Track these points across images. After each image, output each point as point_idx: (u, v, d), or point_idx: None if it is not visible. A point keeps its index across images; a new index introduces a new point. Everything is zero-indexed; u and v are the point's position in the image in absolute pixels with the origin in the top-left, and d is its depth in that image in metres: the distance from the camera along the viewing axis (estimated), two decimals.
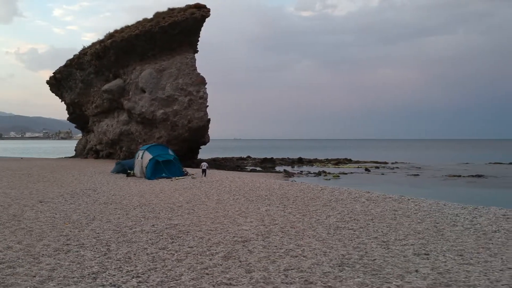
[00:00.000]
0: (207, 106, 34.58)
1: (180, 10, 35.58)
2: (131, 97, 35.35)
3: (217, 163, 42.33)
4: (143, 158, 22.83)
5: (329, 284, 5.37)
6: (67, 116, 43.83)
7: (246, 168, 39.50)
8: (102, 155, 39.82)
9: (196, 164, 37.87)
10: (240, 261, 6.49)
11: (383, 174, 35.38)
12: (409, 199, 12.85)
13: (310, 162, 50.20)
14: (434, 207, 11.33)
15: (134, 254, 6.97)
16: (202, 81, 34.59)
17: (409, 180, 30.11)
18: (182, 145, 34.84)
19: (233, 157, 54.75)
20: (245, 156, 57.71)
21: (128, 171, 23.88)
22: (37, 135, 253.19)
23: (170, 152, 24.05)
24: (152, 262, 6.49)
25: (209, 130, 36.74)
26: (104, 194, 15.17)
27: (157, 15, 36.62)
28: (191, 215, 10.60)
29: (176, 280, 5.65)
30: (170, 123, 34.27)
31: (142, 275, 5.81)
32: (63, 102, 43.40)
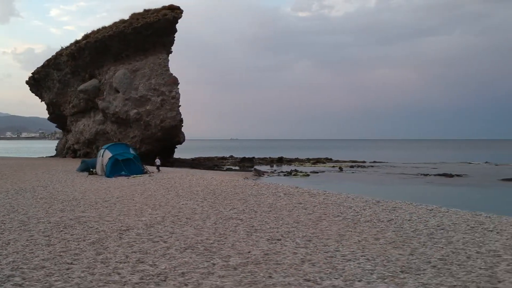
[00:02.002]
0: (179, 106, 35.14)
1: (154, 11, 36.17)
2: (105, 97, 35.94)
3: (195, 163, 42.95)
4: (104, 156, 23.41)
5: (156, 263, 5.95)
6: (47, 116, 44.44)
7: (223, 167, 40.04)
8: (79, 154, 40.39)
9: (171, 163, 38.58)
10: (102, 246, 7.05)
11: (353, 173, 35.91)
12: (326, 193, 13.39)
13: (290, 161, 50.72)
14: (341, 201, 11.90)
15: (16, 240, 7.56)
16: (174, 82, 35.16)
17: (372, 178, 30.64)
18: (155, 144, 35.44)
19: (215, 157, 55.29)
20: (228, 156, 58.23)
21: (91, 169, 24.45)
22: (33, 135, 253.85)
23: (131, 151, 24.67)
24: (26, 246, 7.06)
25: (183, 129, 37.32)
26: (50, 191, 15.70)
27: (133, 16, 37.20)
28: (107, 209, 11.15)
29: (27, 262, 6.19)
30: (143, 123, 34.83)
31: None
32: (43, 102, 43.98)
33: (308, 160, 52.61)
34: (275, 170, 38.21)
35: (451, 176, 32.24)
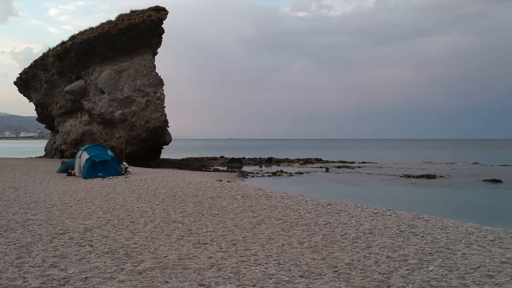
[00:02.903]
0: (164, 106, 35.28)
1: (140, 12, 36.30)
2: (91, 98, 36.10)
3: (183, 163, 43.10)
4: (81, 158, 23.60)
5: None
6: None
7: (210, 168, 40.20)
8: (67, 154, 40.52)
9: (158, 164, 38.77)
10: (27, 250, 7.22)
11: (337, 173, 36.05)
12: (283, 196, 13.55)
13: (279, 162, 50.86)
14: (293, 203, 12.05)
15: None
16: (159, 82, 35.30)
17: (353, 179, 30.76)
18: (141, 145, 35.62)
19: (205, 157, 55.48)
20: (218, 156, 58.39)
21: (69, 170, 24.63)
22: (31, 134, 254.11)
23: (109, 152, 24.82)
24: None
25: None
26: (19, 193, 15.82)
27: (119, 17, 37.35)
28: (60, 211, 11.31)
29: None
30: (128, 124, 34.97)
31: None
32: (31, 103, 44.17)
33: (298, 160, 52.79)
34: (261, 170, 38.37)
35: (434, 177, 32.38)
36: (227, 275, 5.81)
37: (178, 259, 6.64)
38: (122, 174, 23.41)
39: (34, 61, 40.52)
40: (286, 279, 5.69)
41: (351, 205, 12.14)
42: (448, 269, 6.05)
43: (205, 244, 7.66)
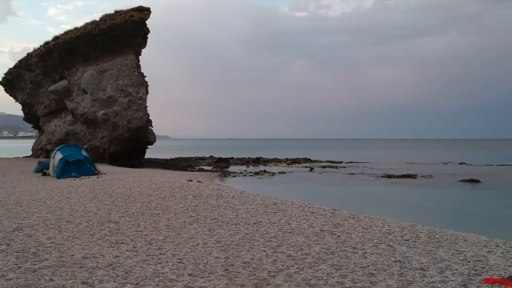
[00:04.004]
0: (147, 106, 35.39)
1: (122, 12, 36.43)
2: (74, 98, 36.24)
3: (169, 163, 43.23)
4: (55, 157, 23.75)
5: None
6: (17, 115, 44.85)
7: (195, 168, 40.32)
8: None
9: (142, 164, 38.90)
10: None
11: (320, 173, 36.13)
12: (235, 196, 13.66)
13: (267, 161, 50.96)
14: (240, 203, 12.17)
15: None
16: (141, 83, 35.41)
17: (333, 179, 30.86)
18: (123, 145, 35.70)
19: (193, 157, 55.63)
20: (208, 156, 58.51)
21: (44, 170, 24.77)
22: (29, 134, 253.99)
23: (83, 152, 24.96)
24: None
25: (152, 130, 37.56)
26: None
27: (103, 17, 37.48)
28: (4, 211, 11.44)
29: None
30: (110, 124, 35.08)
31: None
32: (17, 103, 44.34)
33: (286, 160, 52.87)
34: (245, 170, 38.47)
35: (414, 177, 32.46)
36: (116, 274, 5.92)
37: (82, 258, 6.76)
38: (95, 174, 23.53)
39: (19, 61, 40.70)
40: (173, 277, 5.80)
41: (297, 204, 12.26)
42: (337, 267, 6.17)
43: (121, 243, 7.78)
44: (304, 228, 8.88)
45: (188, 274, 5.94)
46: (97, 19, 37.43)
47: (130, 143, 36.00)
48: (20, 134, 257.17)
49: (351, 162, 50.59)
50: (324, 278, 5.70)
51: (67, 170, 22.93)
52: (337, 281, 5.56)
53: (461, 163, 48.46)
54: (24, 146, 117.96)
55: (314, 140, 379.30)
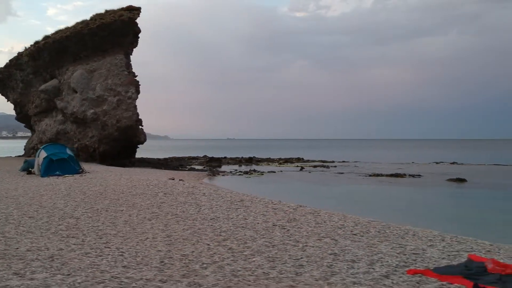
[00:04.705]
0: (136, 106, 35.49)
1: (112, 12, 36.56)
2: (64, 97, 36.38)
3: (160, 163, 43.35)
4: (39, 156, 23.87)
5: None
6: (15, 115, 45.01)
7: (186, 168, 40.44)
8: None
9: (132, 163, 39.01)
10: None
11: (309, 172, 36.21)
12: (206, 194, 13.77)
13: (260, 161, 51.04)
14: (205, 200, 12.28)
15: None
16: (131, 82, 35.52)
17: (321, 178, 30.92)
18: (113, 144, 35.81)
19: (186, 157, 55.80)
20: (202, 156, 58.61)
21: (29, 168, 24.88)
22: (28, 134, 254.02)
23: (68, 151, 25.06)
24: None
25: (142, 129, 37.68)
26: None
27: (93, 17, 37.62)
28: None
29: None
30: (100, 123, 35.21)
31: None
32: (9, 102, 44.51)
33: (279, 160, 52.95)
34: (235, 170, 38.57)
35: (403, 176, 32.53)
36: (51, 265, 6.03)
37: (26, 250, 6.87)
38: (79, 173, 23.62)
39: (10, 60, 40.85)
40: (106, 268, 5.90)
41: (264, 201, 12.36)
42: (271, 260, 6.27)
43: (72, 237, 7.89)
44: (258, 223, 8.99)
45: (123, 266, 6.04)
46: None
47: (119, 143, 36.10)
48: (19, 134, 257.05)
49: (343, 161, 50.68)
50: (253, 269, 5.80)
51: (51, 168, 23.02)
52: (264, 272, 5.66)
53: (452, 163, 48.53)
54: (22, 146, 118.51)
55: (313, 140, 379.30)
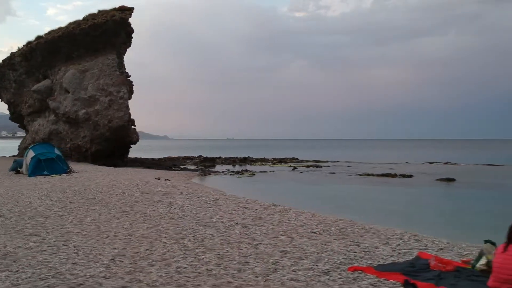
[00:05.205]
0: (128, 106, 35.57)
1: (105, 12, 36.70)
2: (56, 97, 36.49)
3: (154, 163, 43.47)
4: (27, 156, 23.98)
5: None
6: (9, 115, 45.15)
7: (179, 167, 40.56)
8: None
9: (125, 163, 39.09)
10: None
11: (301, 172, 36.29)
12: (183, 193, 13.88)
13: (254, 161, 51.13)
14: (180, 198, 12.38)
15: None
16: (122, 82, 35.62)
17: (311, 178, 30.97)
18: (105, 144, 35.89)
19: (180, 157, 55.94)
20: (196, 156, 58.73)
21: (18, 168, 24.99)
22: None
23: (56, 151, 25.16)
24: None
25: (135, 129, 37.80)
26: None
27: (86, 17, 37.75)
28: None
29: None
30: (92, 123, 35.30)
31: None
32: (2, 102, 44.63)
33: (274, 160, 53.03)
34: (228, 170, 38.66)
35: (394, 176, 32.61)
36: (1, 262, 6.12)
37: None
38: (67, 173, 23.72)
39: (3, 60, 40.97)
40: (56, 265, 6.00)
41: (238, 200, 12.46)
42: (220, 257, 6.36)
43: (35, 235, 7.98)
44: (222, 222, 9.09)
45: (73, 263, 6.13)
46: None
47: (111, 143, 36.18)
48: (19, 134, 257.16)
49: (337, 161, 50.76)
50: (198, 266, 5.90)
51: (39, 168, 23.12)
52: (207, 269, 5.76)
53: (446, 163, 48.64)
54: (11, 146, 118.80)
55: (313, 140, 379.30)
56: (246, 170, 37.03)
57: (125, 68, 39.34)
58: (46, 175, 22.72)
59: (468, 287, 5.26)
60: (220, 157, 54.52)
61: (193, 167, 41.17)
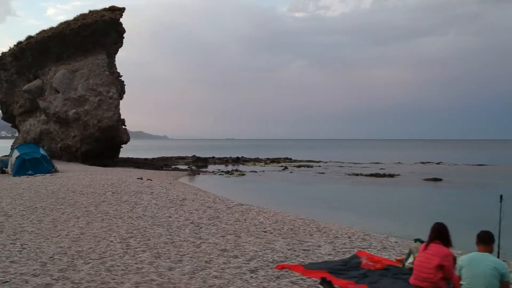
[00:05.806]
0: (118, 106, 35.67)
1: (95, 12, 36.81)
2: (46, 97, 36.59)
3: (146, 162, 43.55)
4: (12, 156, 24.08)
5: None
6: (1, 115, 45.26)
7: (171, 167, 40.66)
8: None
9: (116, 163, 39.18)
10: None
11: (291, 172, 36.34)
12: (154, 193, 13.96)
13: (247, 161, 51.21)
14: (144, 199, 12.46)
15: None
16: (112, 82, 35.72)
17: (301, 178, 30.99)
18: (95, 144, 35.99)
19: (173, 157, 56.09)
20: (190, 156, 58.82)
21: (3, 168, 25.09)
22: None
23: (41, 151, 25.26)
24: None
25: (125, 129, 37.89)
26: None
27: (77, 17, 37.86)
28: None
29: None
30: (82, 123, 35.41)
31: None
32: None
33: (267, 159, 53.09)
34: (219, 170, 38.73)
35: (382, 176, 32.67)
36: None
37: None
38: (51, 172, 23.81)
39: None
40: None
41: (206, 200, 12.54)
42: (156, 256, 6.45)
43: None
44: (178, 221, 9.17)
45: (10, 261, 6.22)
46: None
47: (101, 142, 36.26)
48: (18, 134, 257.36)
49: (330, 161, 50.83)
50: (131, 264, 5.98)
51: (23, 168, 23.20)
52: (138, 267, 5.84)
53: (438, 163, 48.72)
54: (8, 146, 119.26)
55: (313, 140, 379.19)
56: (237, 170, 37.10)
57: (116, 68, 39.41)
58: (30, 174, 22.81)
59: (389, 285, 5.34)
60: (213, 157, 54.62)
61: (184, 167, 41.27)
